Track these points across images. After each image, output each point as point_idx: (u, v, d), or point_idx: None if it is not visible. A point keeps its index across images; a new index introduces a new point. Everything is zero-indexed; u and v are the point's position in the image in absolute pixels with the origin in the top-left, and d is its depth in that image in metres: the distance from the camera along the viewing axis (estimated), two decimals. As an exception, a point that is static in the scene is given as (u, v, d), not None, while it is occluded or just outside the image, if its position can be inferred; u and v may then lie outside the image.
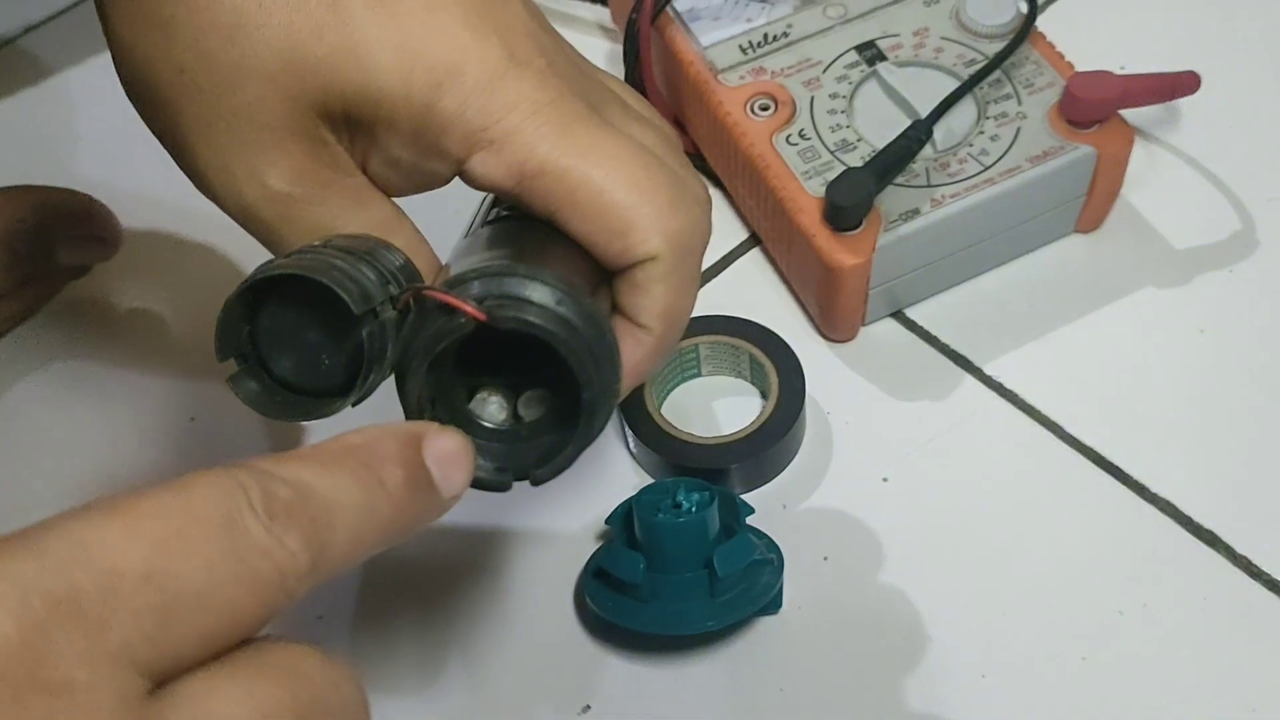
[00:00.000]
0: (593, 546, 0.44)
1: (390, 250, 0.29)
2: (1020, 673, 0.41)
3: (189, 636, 0.21)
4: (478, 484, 0.29)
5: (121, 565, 0.20)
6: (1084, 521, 0.44)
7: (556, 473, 0.29)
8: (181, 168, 0.32)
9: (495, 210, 0.33)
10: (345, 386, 0.27)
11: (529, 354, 0.29)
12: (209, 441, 0.49)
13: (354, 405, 0.28)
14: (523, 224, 0.31)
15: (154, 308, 0.54)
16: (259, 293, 0.27)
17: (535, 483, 0.29)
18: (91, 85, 0.62)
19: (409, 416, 0.28)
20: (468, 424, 0.29)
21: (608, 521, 0.42)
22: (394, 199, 0.32)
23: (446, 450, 0.26)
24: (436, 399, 0.29)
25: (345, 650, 0.44)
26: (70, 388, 0.52)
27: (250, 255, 0.55)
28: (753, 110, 0.49)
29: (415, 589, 0.45)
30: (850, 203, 0.44)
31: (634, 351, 0.32)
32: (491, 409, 0.30)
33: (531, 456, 0.29)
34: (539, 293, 0.28)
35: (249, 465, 0.23)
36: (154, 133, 0.32)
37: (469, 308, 0.27)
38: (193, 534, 0.21)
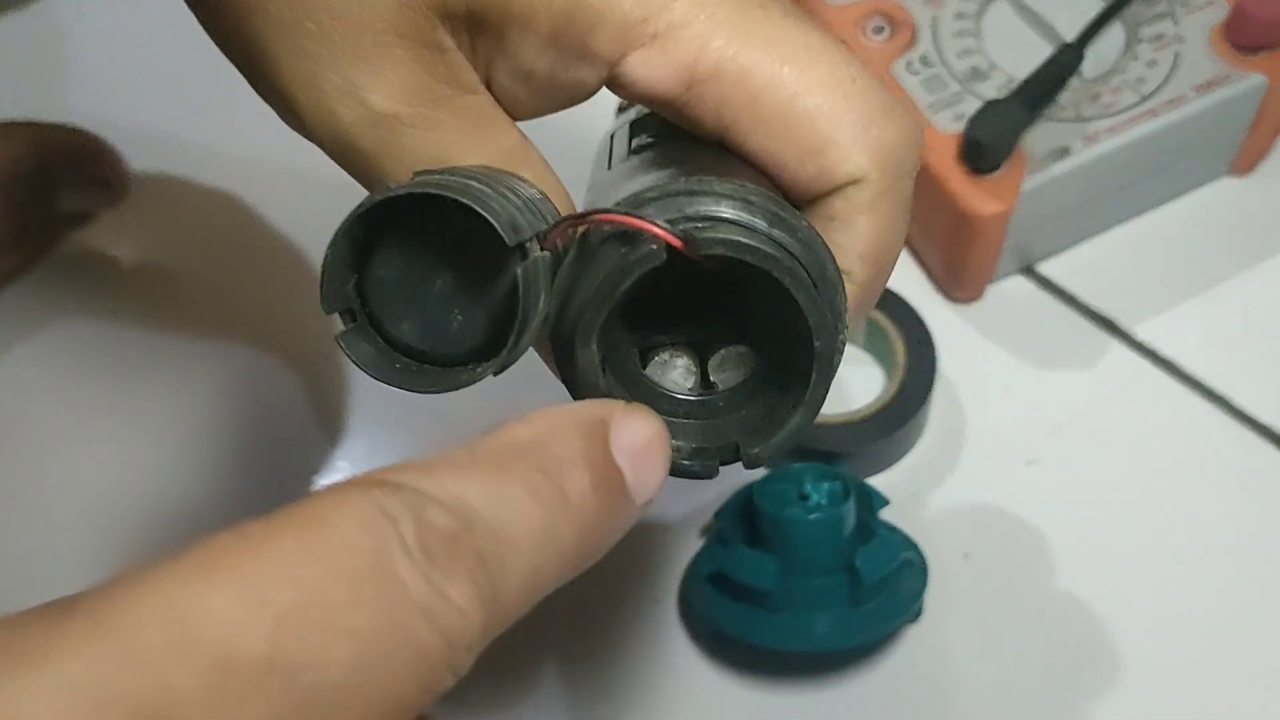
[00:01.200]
0: (695, 544, 0.38)
1: (524, 183, 0.22)
2: (1204, 686, 0.35)
3: None
4: (675, 470, 0.22)
5: (237, 652, 0.14)
6: (1261, 507, 0.38)
7: (780, 450, 0.22)
8: (254, 84, 0.24)
9: (638, 139, 0.26)
10: (486, 349, 0.21)
11: (715, 303, 0.22)
12: (231, 413, 0.43)
13: (496, 374, 0.21)
14: (685, 146, 0.24)
15: (166, 261, 0.47)
16: (373, 226, 0.20)
17: (751, 464, 0.22)
18: (87, 6, 0.54)
19: (579, 390, 0.21)
20: (650, 396, 0.22)
21: (718, 515, 0.36)
22: (520, 124, 0.25)
23: (640, 439, 0.19)
24: (607, 363, 0.22)
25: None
26: (71, 352, 0.45)
27: (282, 200, 0.49)
28: (866, 32, 0.42)
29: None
30: (995, 139, 0.38)
31: None
32: (676, 374, 0.23)
33: (733, 431, 0.22)
34: (743, 213, 0.21)
35: (390, 482, 0.16)
36: (216, 39, 0.24)
37: (660, 229, 0.20)
38: (332, 596, 0.15)
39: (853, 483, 0.35)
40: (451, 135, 0.23)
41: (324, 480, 0.41)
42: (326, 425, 0.42)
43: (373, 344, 0.21)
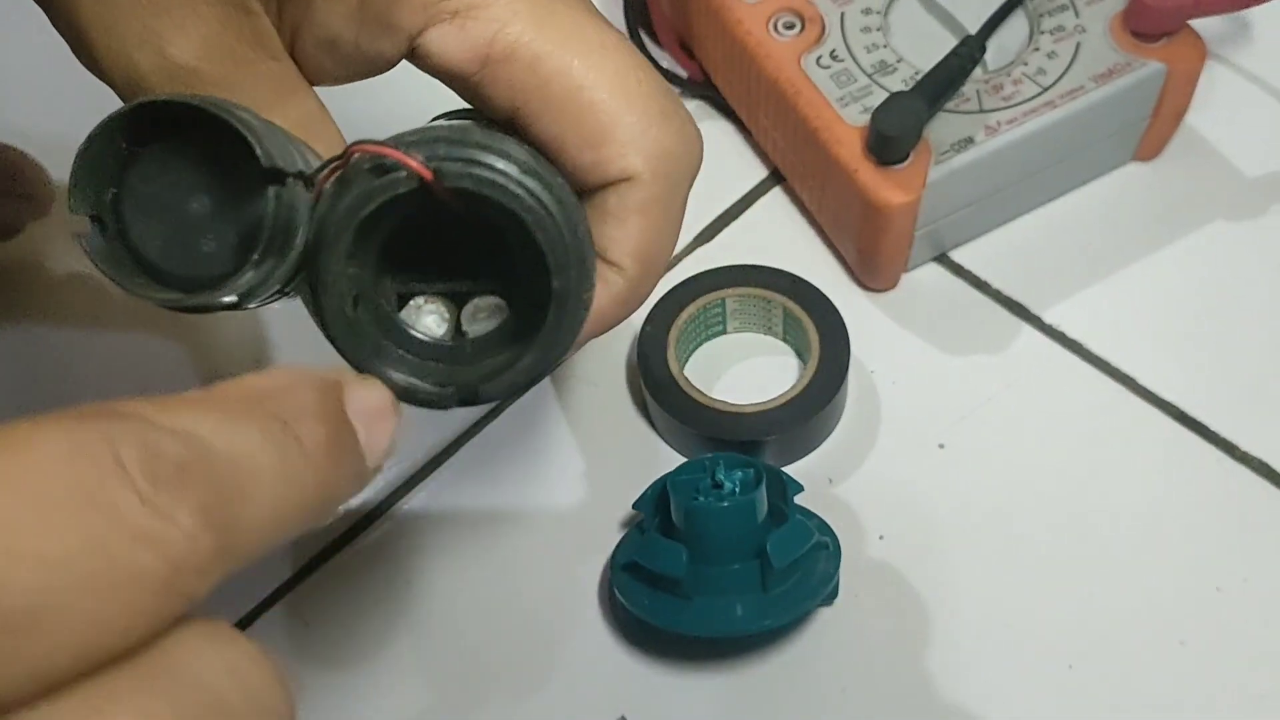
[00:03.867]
0: (616, 535, 0.39)
1: (311, 152, 0.23)
2: (1111, 662, 0.36)
3: (21, 672, 0.15)
4: (413, 398, 0.23)
5: None
6: (1170, 487, 0.39)
7: (510, 389, 0.23)
8: (59, 29, 0.25)
9: (435, 119, 0.27)
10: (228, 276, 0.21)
11: (476, 253, 0.23)
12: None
13: (240, 304, 0.21)
14: (476, 124, 0.25)
15: (93, 269, 0.47)
16: (137, 137, 0.21)
17: (479, 400, 0.23)
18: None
19: (327, 319, 0.22)
20: (401, 338, 0.23)
21: (636, 505, 0.37)
22: (319, 91, 0.26)
23: (372, 404, 0.20)
24: (360, 300, 0.23)
25: (337, 663, 0.38)
26: (5, 363, 0.45)
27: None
28: (776, 29, 0.43)
29: (413, 593, 0.39)
30: (899, 132, 0.39)
31: (600, 295, 0.26)
32: (428, 320, 0.24)
33: (477, 376, 0.23)
34: (498, 160, 0.22)
35: (119, 412, 0.16)
36: None
37: (413, 162, 0.21)
38: (27, 521, 0.15)
39: (765, 470, 0.36)
40: (250, 98, 0.23)
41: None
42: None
43: (116, 250, 0.21)
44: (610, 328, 0.27)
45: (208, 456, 0.17)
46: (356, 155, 0.21)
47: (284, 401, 0.18)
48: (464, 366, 0.23)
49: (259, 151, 0.20)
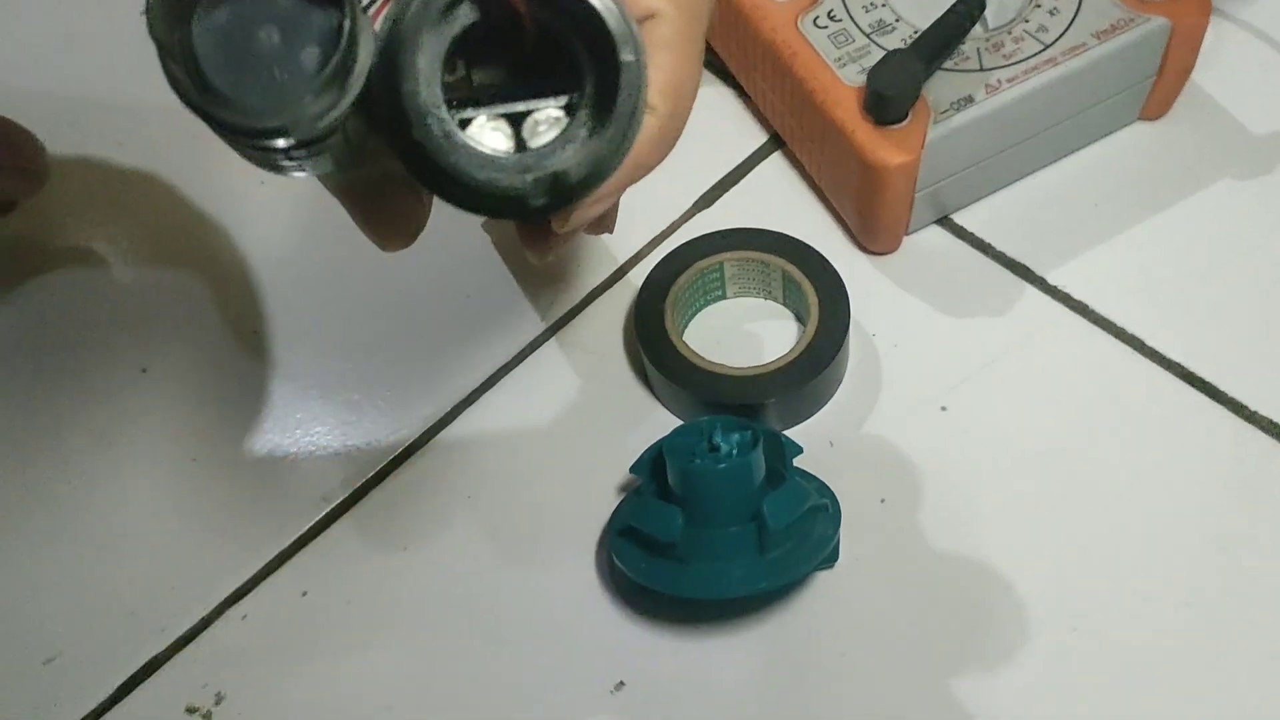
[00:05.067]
0: (614, 500, 0.39)
1: None
2: (1114, 624, 0.35)
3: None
4: (500, 197, 0.23)
5: None
6: (1175, 446, 0.38)
7: (590, 172, 0.23)
8: None
9: None
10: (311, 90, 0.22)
11: (530, 67, 0.24)
12: (161, 393, 0.43)
13: (300, 147, 0.22)
14: None
15: (92, 245, 0.47)
16: None
17: (561, 190, 0.23)
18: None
19: (407, 116, 0.23)
20: (467, 154, 0.23)
21: (633, 470, 0.36)
22: None
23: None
24: (429, 117, 0.23)
25: (339, 631, 0.38)
26: (3, 341, 0.45)
27: (189, 177, 0.48)
28: (773, -10, 0.43)
29: (411, 559, 0.39)
30: (896, 91, 0.38)
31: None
32: (493, 137, 0.24)
33: (555, 167, 0.23)
34: None
35: None
36: None
37: None
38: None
39: (763, 432, 0.35)
40: None
41: (260, 454, 0.42)
42: (246, 402, 0.42)
43: (193, 82, 0.21)
44: (648, 171, 0.28)
45: None
46: None
47: None
48: (539, 167, 0.24)
49: None
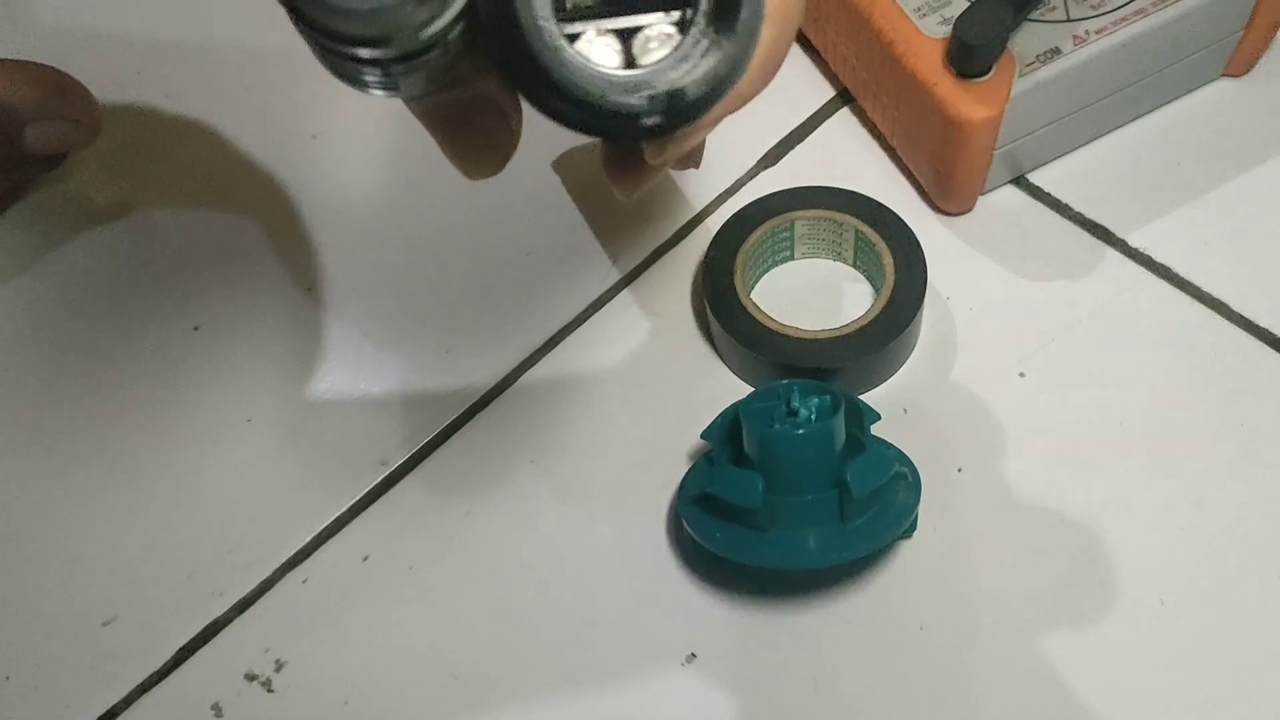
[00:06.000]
0: (683, 466, 0.38)
1: None
2: (1205, 597, 0.34)
3: None
4: (618, 112, 0.22)
5: None
6: (1259, 411, 0.37)
7: (711, 86, 0.22)
8: None
9: None
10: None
11: None
12: (215, 352, 0.42)
13: (437, 31, 0.21)
14: None
15: (141, 201, 0.46)
16: None
17: (684, 103, 0.22)
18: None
19: (516, 27, 0.21)
20: (577, 72, 0.22)
21: (705, 435, 0.35)
22: None
23: None
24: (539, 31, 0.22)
25: (401, 596, 0.37)
26: (51, 300, 0.44)
27: (239, 128, 0.47)
28: (849, -63, 0.41)
29: (475, 526, 0.38)
30: (984, 41, 0.37)
31: None
32: (603, 53, 0.23)
33: (674, 79, 0.22)
34: None
35: None
36: None
37: None
38: None
39: (842, 397, 0.34)
40: None
41: (317, 415, 0.41)
42: (303, 359, 0.41)
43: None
44: (750, 98, 0.26)
45: None
46: None
47: None
48: (653, 84, 0.23)
49: None
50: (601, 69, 0.22)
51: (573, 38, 0.22)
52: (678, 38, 0.23)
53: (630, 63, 0.23)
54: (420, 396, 0.40)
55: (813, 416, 0.34)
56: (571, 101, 0.22)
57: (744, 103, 0.26)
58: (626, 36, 0.23)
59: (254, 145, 0.46)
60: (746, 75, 0.24)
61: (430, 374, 0.41)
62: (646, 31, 0.23)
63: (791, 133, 0.44)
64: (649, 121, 0.22)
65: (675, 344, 0.41)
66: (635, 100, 0.22)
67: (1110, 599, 0.35)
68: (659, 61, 0.22)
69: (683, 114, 0.22)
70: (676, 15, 0.22)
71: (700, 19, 0.22)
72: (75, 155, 0.46)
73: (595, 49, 0.23)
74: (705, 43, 0.22)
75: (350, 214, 0.44)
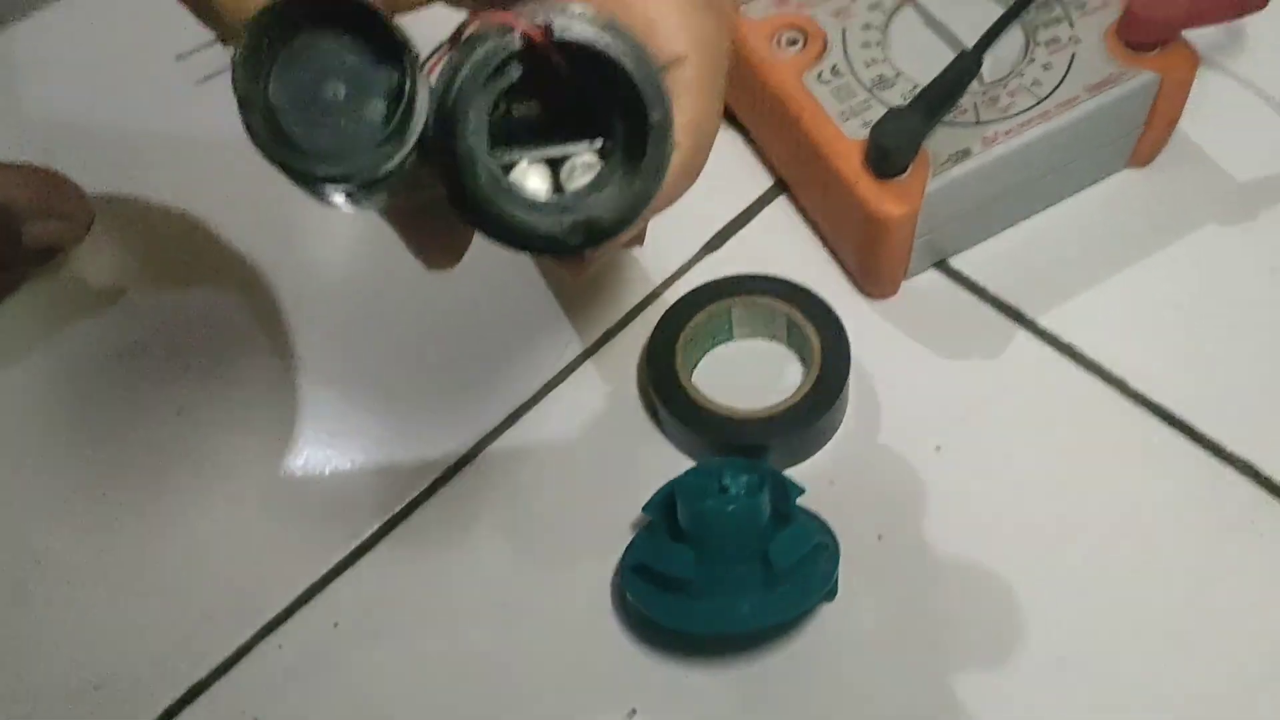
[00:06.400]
0: (627, 535, 0.41)
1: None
2: (1102, 657, 0.38)
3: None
4: (543, 239, 0.25)
5: None
6: (1158, 486, 0.40)
7: (622, 216, 0.25)
8: None
9: None
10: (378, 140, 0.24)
11: (568, 115, 0.26)
12: (198, 435, 0.45)
13: (393, 167, 0.24)
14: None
15: (130, 290, 0.49)
16: (280, 27, 0.24)
17: (596, 230, 0.26)
18: (40, 31, 0.56)
19: (458, 163, 0.25)
20: (510, 199, 0.26)
21: (645, 509, 0.39)
22: None
23: None
24: (478, 165, 0.26)
25: (368, 661, 0.40)
26: (46, 384, 0.47)
27: (225, 214, 0.51)
28: (780, 44, 0.45)
29: (431, 592, 0.41)
30: (897, 145, 0.40)
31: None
32: (534, 182, 0.26)
33: (591, 211, 0.26)
34: (584, 23, 0.25)
35: None
36: None
37: (522, 25, 0.24)
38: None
39: (769, 474, 0.37)
40: None
41: (290, 490, 0.44)
42: (279, 436, 0.45)
43: (269, 131, 0.24)
44: (675, 199, 0.30)
45: None
46: (471, 27, 0.24)
47: None
48: (575, 210, 0.26)
49: (395, 33, 0.23)
50: (531, 197, 0.26)
51: (508, 167, 0.26)
52: (599, 165, 0.26)
53: (558, 187, 0.26)
54: (389, 470, 0.44)
55: (742, 493, 0.37)
56: (504, 227, 0.25)
57: (670, 204, 0.30)
58: (556, 164, 0.26)
59: (239, 228, 0.50)
60: (667, 182, 0.27)
61: (398, 448, 0.44)
62: (573, 160, 0.26)
63: (733, 220, 0.48)
64: (572, 242, 0.26)
65: (623, 419, 0.44)
66: (559, 228, 0.25)
67: (1013, 658, 0.38)
68: (581, 190, 0.26)
69: (600, 236, 0.26)
70: (600, 143, 0.26)
71: (618, 151, 0.26)
72: (70, 249, 0.49)
73: (529, 178, 0.26)
74: (620, 172, 0.26)
75: (326, 296, 0.48)
